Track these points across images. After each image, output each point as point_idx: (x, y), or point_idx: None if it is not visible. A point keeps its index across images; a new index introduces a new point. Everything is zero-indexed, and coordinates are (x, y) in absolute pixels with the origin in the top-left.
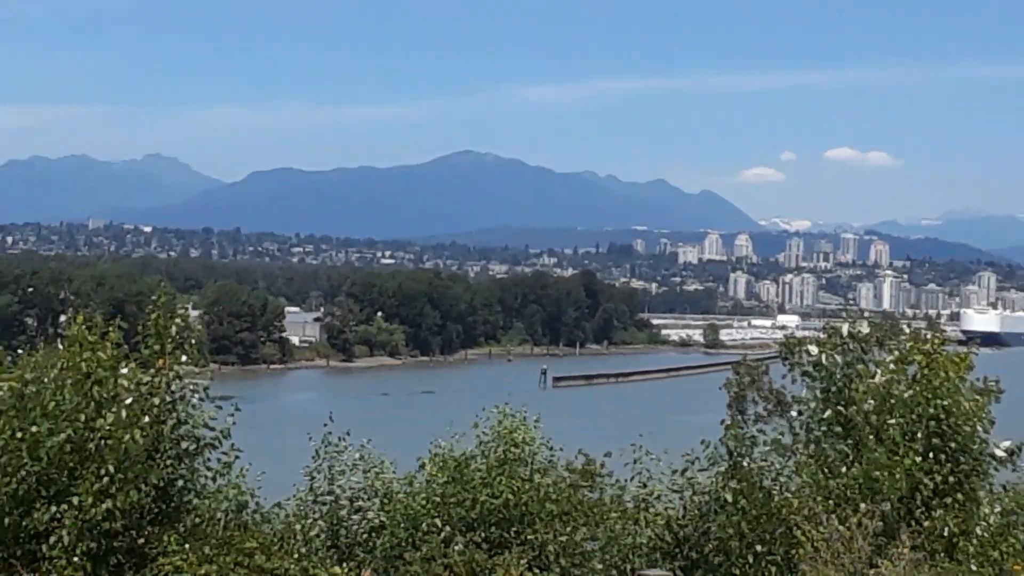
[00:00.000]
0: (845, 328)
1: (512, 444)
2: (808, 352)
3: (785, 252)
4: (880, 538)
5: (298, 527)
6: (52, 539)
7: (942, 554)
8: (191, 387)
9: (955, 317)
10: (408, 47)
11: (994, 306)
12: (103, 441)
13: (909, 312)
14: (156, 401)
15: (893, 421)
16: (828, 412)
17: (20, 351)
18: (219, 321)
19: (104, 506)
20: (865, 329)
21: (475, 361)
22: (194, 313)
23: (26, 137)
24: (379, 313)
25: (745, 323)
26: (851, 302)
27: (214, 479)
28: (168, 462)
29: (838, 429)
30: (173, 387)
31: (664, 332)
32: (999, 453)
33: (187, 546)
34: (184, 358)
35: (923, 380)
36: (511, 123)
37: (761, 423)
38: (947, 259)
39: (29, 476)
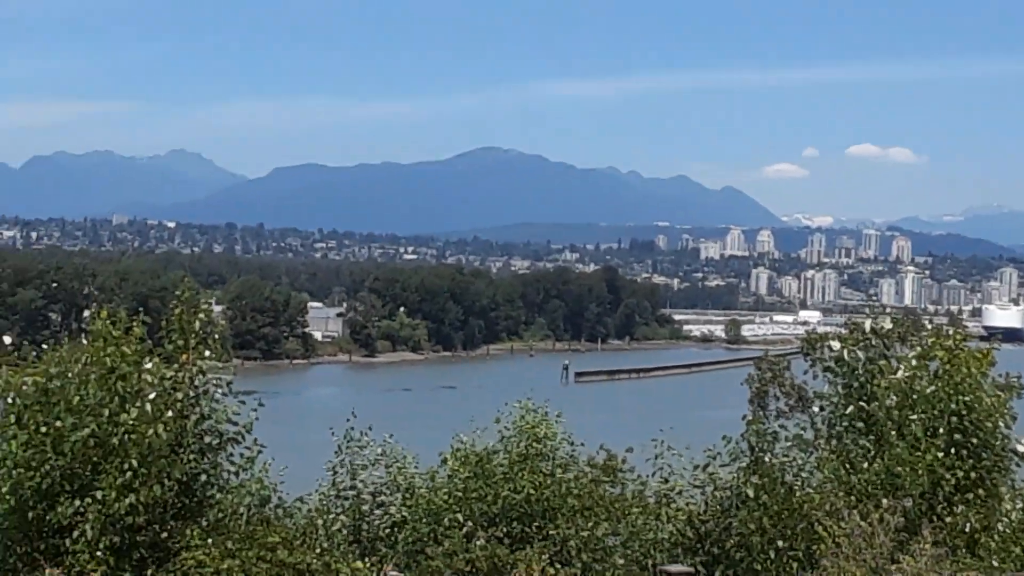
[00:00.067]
0: (868, 324)
1: (534, 439)
2: (830, 348)
3: (807, 248)
4: (902, 534)
5: (320, 522)
6: (76, 533)
7: (964, 550)
8: (214, 382)
9: (977, 313)
10: (432, 43)
11: (1016, 302)
12: (127, 436)
13: (931, 308)
14: (180, 396)
15: (915, 417)
16: (850, 408)
17: (44, 346)
18: (242, 316)
19: (127, 500)
20: (888, 325)
21: (497, 356)
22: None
23: (50, 133)
24: (401, 308)
25: (767, 319)
26: (873, 298)
27: (237, 474)
28: (191, 457)
29: (860, 425)
30: (196, 382)
31: (686, 328)
32: (1021, 449)
33: (210, 540)
34: (207, 353)
35: (945, 376)
36: (534, 119)
37: (782, 419)
38: (969, 255)
39: (53, 470)
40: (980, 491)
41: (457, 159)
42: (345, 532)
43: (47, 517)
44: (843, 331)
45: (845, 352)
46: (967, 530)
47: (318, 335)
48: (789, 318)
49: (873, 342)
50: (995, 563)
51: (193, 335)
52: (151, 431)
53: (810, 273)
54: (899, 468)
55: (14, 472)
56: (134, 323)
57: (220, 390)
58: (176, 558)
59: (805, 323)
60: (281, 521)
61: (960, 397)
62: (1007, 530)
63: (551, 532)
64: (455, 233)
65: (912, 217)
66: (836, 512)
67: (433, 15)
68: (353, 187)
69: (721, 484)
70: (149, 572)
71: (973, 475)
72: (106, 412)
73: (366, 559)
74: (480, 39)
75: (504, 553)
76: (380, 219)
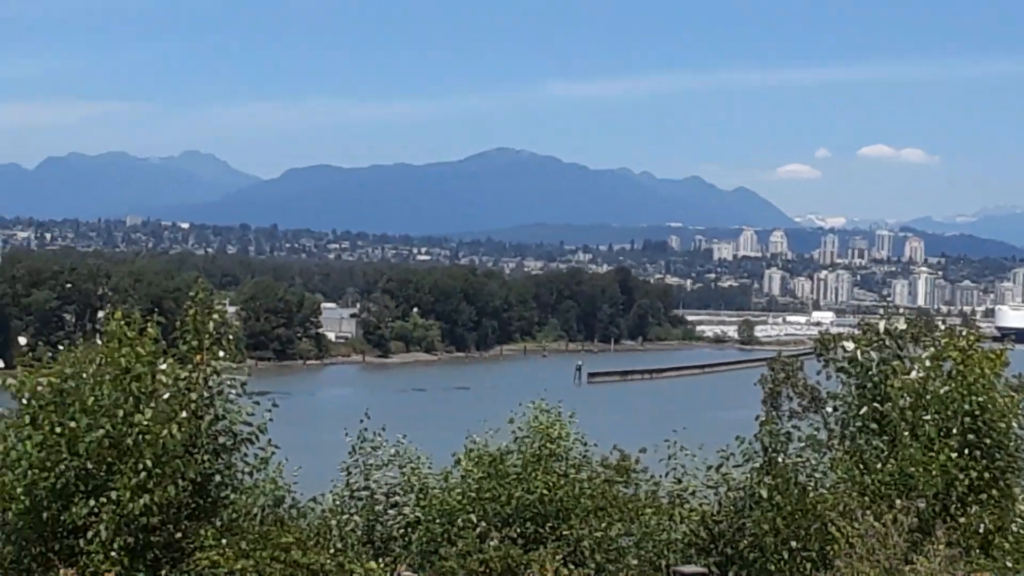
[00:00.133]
0: (882, 325)
1: (548, 440)
2: (844, 348)
3: (820, 249)
4: (915, 534)
5: (334, 522)
6: (90, 533)
7: (977, 550)
8: (228, 383)
9: (990, 314)
10: (447, 45)
11: None
12: (141, 436)
13: (944, 309)
14: (194, 396)
15: (928, 417)
16: (864, 409)
17: (59, 347)
18: (256, 317)
19: (142, 501)
20: (902, 326)
21: (510, 357)
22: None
23: (64, 134)
24: (415, 309)
25: (780, 319)
26: (887, 299)
27: (251, 474)
28: (205, 457)
29: (874, 425)
30: (210, 382)
31: (699, 328)
32: None
33: (224, 541)
34: (221, 354)
35: (958, 376)
36: (547, 120)
37: (796, 419)
38: (982, 256)
39: (68, 471)
40: (994, 491)
41: (470, 160)
42: (359, 532)
43: (62, 517)
44: (856, 332)
45: (859, 353)
46: (981, 531)
47: (331, 336)
48: (802, 319)
49: (887, 343)
50: (1009, 564)
51: (207, 336)
52: (165, 431)
53: (823, 274)
54: (913, 469)
55: (29, 472)
56: (148, 324)
57: (234, 391)
58: (190, 558)
59: (818, 324)
60: (295, 521)
61: (973, 397)
62: (1021, 531)
63: (565, 532)
64: (468, 234)
65: (925, 218)
66: (850, 513)
67: (448, 16)
68: (366, 188)
69: (735, 485)
70: (163, 572)
71: (987, 475)
72: (120, 413)
73: (380, 559)
74: (494, 40)
75: (518, 553)
76: (393, 220)
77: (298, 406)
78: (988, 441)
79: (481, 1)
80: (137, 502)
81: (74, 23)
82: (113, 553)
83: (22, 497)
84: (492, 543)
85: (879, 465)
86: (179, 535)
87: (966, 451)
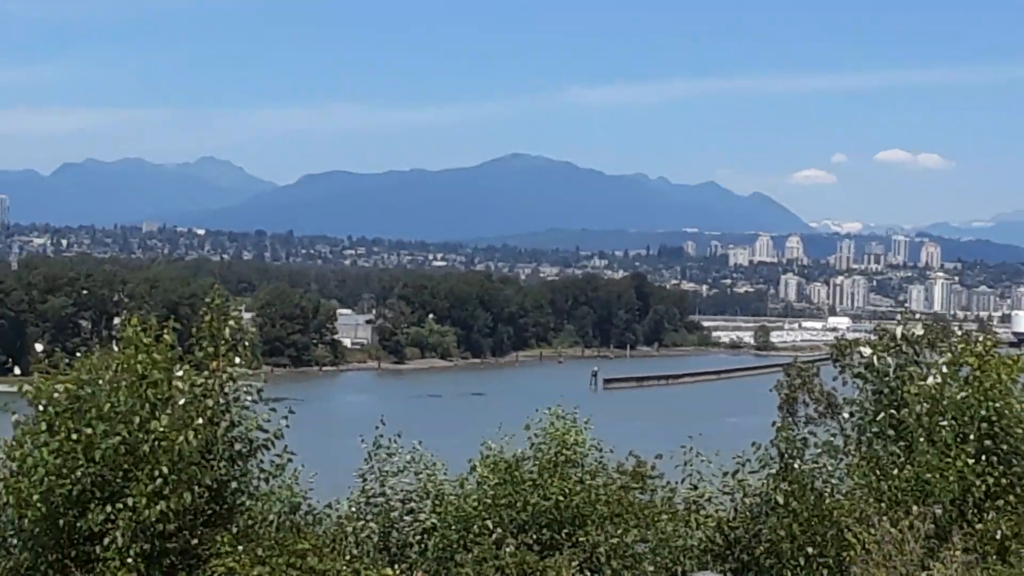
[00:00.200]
0: (899, 330)
1: (564, 446)
2: (860, 354)
3: (836, 254)
4: (932, 540)
5: (350, 529)
6: (106, 540)
7: (994, 557)
8: (244, 389)
9: (1006, 319)
10: (460, 50)
11: None
12: (157, 443)
13: (960, 314)
14: (210, 403)
15: (945, 423)
16: (881, 414)
17: (76, 353)
18: (272, 323)
19: (158, 507)
20: (919, 331)
21: (526, 363)
22: (247, 315)
23: (80, 141)
24: (430, 315)
25: (796, 325)
26: (904, 305)
27: (267, 481)
28: (221, 464)
29: (891, 431)
30: (227, 389)
31: (715, 334)
32: None
33: (240, 547)
34: (238, 360)
35: (975, 382)
36: (562, 126)
37: (812, 425)
38: (998, 261)
39: (84, 478)
40: (1011, 497)
41: (486, 165)
42: (374, 539)
43: (78, 524)
44: (873, 337)
45: (875, 358)
46: (998, 537)
47: (347, 342)
48: (818, 324)
49: (904, 348)
50: None
51: (223, 342)
52: (181, 438)
53: (839, 279)
54: (929, 475)
55: (45, 479)
56: (165, 330)
57: (250, 397)
58: (206, 564)
59: (834, 329)
60: (311, 528)
61: (990, 403)
62: None
63: (581, 539)
64: (484, 240)
65: (941, 223)
66: (866, 519)
67: (462, 22)
68: (382, 194)
69: (751, 491)
70: None
71: (1004, 481)
72: (137, 419)
73: (395, 566)
74: (510, 47)
75: (534, 560)
76: (409, 226)
77: (314, 413)
78: (1005, 447)
79: (497, 8)
80: (153, 508)
81: (91, 30)
82: (129, 560)
83: (38, 504)
84: (508, 549)
85: (896, 471)
86: (195, 541)
87: (983, 457)
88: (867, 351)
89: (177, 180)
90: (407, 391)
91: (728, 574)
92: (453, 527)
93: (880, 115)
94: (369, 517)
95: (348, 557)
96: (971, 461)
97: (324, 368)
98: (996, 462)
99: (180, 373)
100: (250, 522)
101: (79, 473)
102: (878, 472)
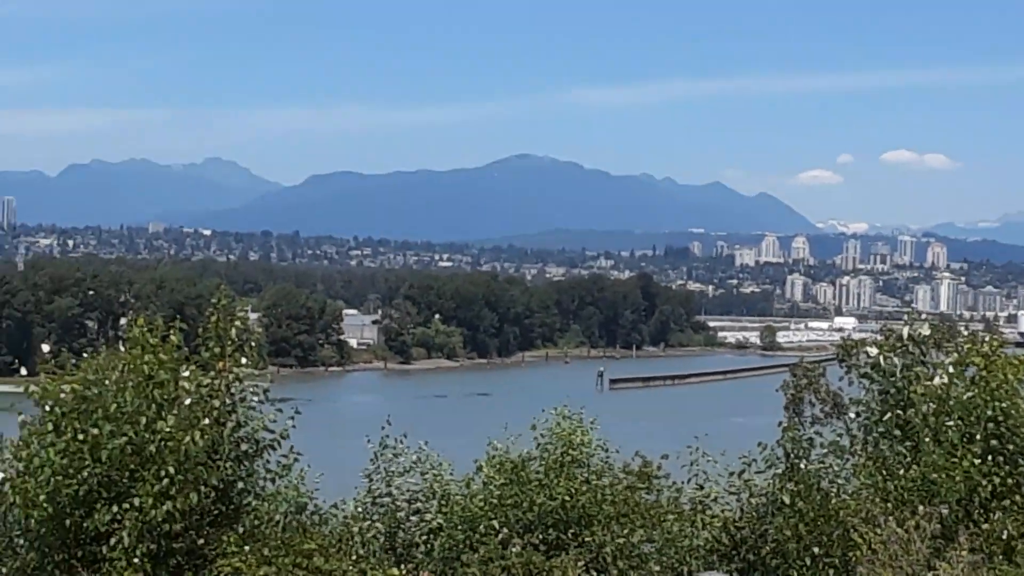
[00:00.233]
0: (906, 331)
1: (570, 446)
2: (867, 354)
3: (842, 254)
4: (938, 540)
5: (356, 529)
6: (113, 540)
7: (1000, 557)
8: (251, 389)
9: (1012, 319)
10: (467, 50)
11: None
12: (164, 443)
13: (966, 314)
14: (216, 403)
15: (951, 423)
16: (888, 415)
17: (82, 354)
18: (278, 324)
19: (164, 507)
20: (926, 331)
21: (532, 363)
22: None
23: (87, 141)
24: (437, 316)
25: (802, 325)
26: (909, 304)
27: (273, 481)
28: (228, 464)
29: (897, 432)
30: (233, 389)
31: (721, 334)
32: None
33: (246, 547)
34: (244, 360)
35: (981, 382)
36: (568, 126)
37: (818, 425)
38: (1005, 261)
39: (90, 478)
40: (1017, 497)
41: (492, 166)
42: (381, 539)
43: (84, 524)
44: (879, 337)
45: (882, 358)
46: (1004, 537)
47: (353, 342)
48: (824, 325)
49: (910, 349)
50: None
51: (229, 343)
52: (188, 438)
53: (845, 279)
54: (935, 475)
55: (52, 480)
56: (171, 331)
57: (256, 397)
58: (212, 565)
59: (840, 329)
60: (317, 528)
61: (996, 403)
62: None
63: (587, 539)
64: (490, 240)
65: (947, 223)
66: (872, 519)
67: (468, 23)
68: (388, 194)
69: (757, 491)
70: None
71: (1010, 481)
72: (143, 420)
73: (402, 566)
74: (516, 47)
75: (540, 560)
76: (415, 226)
77: (320, 413)
78: (1011, 447)
79: (504, 8)
80: (159, 509)
81: (97, 31)
82: (136, 560)
83: (45, 504)
84: (514, 550)
85: (902, 471)
86: (201, 542)
87: (989, 457)
88: (874, 351)
89: (183, 181)
90: (413, 391)
91: (734, 574)
92: (459, 527)
93: (886, 115)
94: (375, 517)
95: (354, 557)
96: (977, 461)
97: (330, 368)
98: (1002, 462)
99: (186, 373)
100: (256, 522)
101: (85, 473)
102: (884, 472)
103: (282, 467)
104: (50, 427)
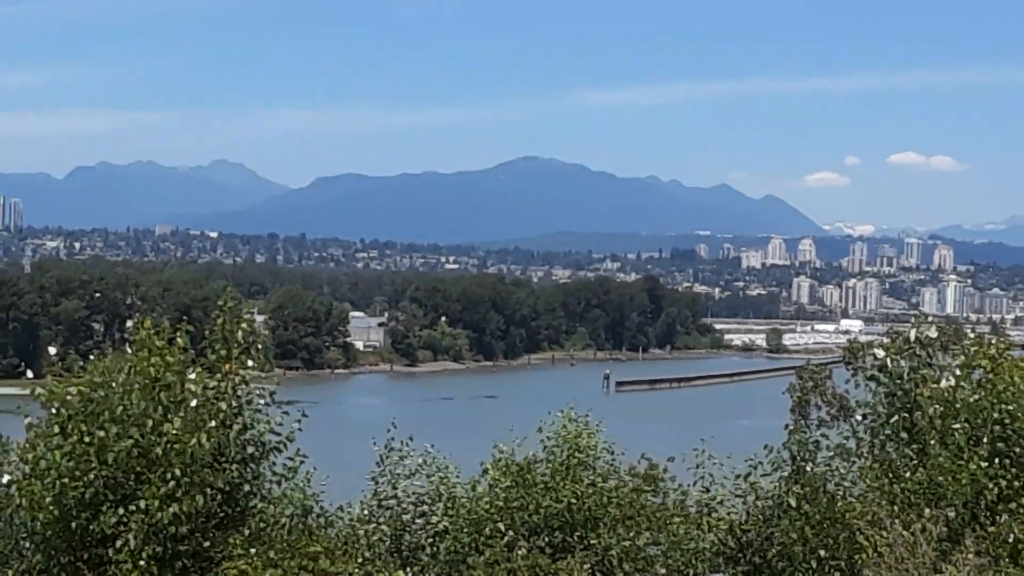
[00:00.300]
0: (912, 333)
1: (576, 449)
2: (874, 356)
3: (849, 257)
4: (944, 543)
5: (362, 531)
6: (119, 543)
7: (1007, 559)
8: (257, 392)
9: (1019, 322)
10: (472, 52)
11: None
12: (170, 445)
13: (973, 317)
14: (223, 406)
15: (958, 426)
16: (895, 417)
17: (88, 356)
18: (284, 326)
19: (170, 510)
20: (933, 333)
21: (538, 366)
22: (260, 318)
23: (93, 144)
24: (443, 318)
25: (808, 328)
26: (915, 307)
27: (279, 483)
28: (234, 466)
29: (904, 434)
30: (239, 392)
31: (727, 337)
32: None
33: (252, 550)
34: (250, 363)
35: (988, 385)
36: (574, 128)
37: (824, 428)
38: (1011, 264)
39: (97, 480)
40: (1023, 500)
41: (499, 168)
42: (387, 542)
43: (90, 527)
44: (885, 340)
45: (889, 360)
46: (1010, 540)
47: (360, 345)
48: (831, 327)
49: (917, 351)
50: None
51: (236, 345)
52: (194, 441)
53: (852, 282)
54: (942, 477)
55: (58, 482)
56: (177, 333)
57: (263, 400)
58: (218, 567)
59: (847, 332)
60: (323, 531)
61: (1003, 406)
62: None
63: (593, 542)
64: (496, 242)
65: (954, 226)
66: (878, 521)
67: (474, 25)
68: (394, 196)
69: (763, 494)
70: None
71: (1016, 484)
72: (149, 422)
73: (407, 569)
74: (522, 49)
75: (546, 563)
76: (421, 228)
77: (326, 415)
78: (1018, 450)
79: (510, 10)
80: (166, 511)
81: (102, 33)
82: (142, 562)
83: (51, 506)
84: (520, 552)
85: (908, 474)
86: (207, 544)
87: (996, 460)
88: (881, 353)
89: (190, 183)
90: (419, 394)
91: None
92: (465, 530)
93: (893, 117)
94: (381, 520)
95: (360, 560)
96: (984, 464)
97: (336, 371)
98: (1009, 465)
99: (193, 376)
100: (262, 525)
101: (92, 476)
102: (890, 475)
103: (288, 470)
104: (56, 429)
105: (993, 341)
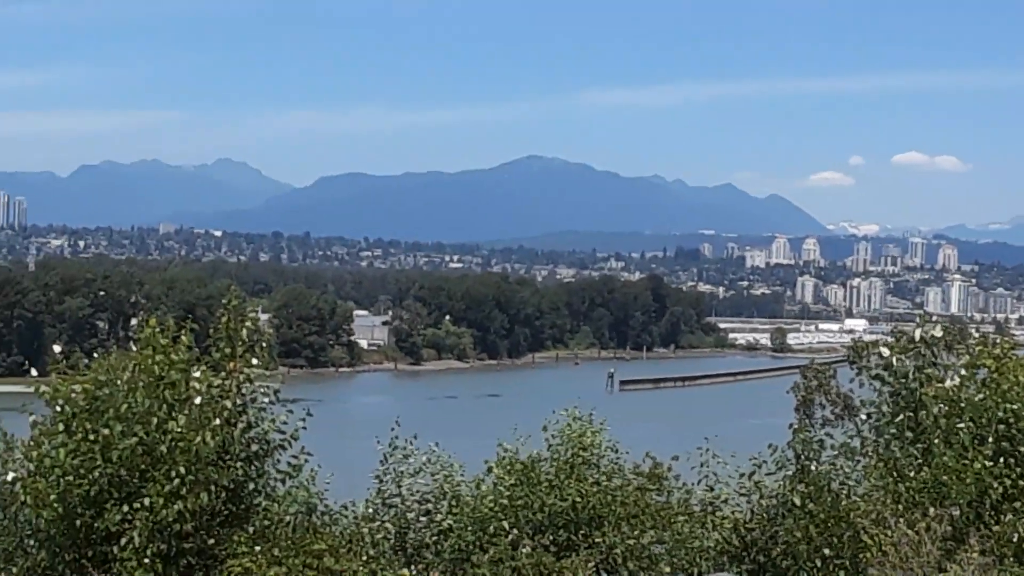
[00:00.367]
0: (918, 332)
1: (580, 447)
2: (880, 355)
3: (853, 256)
4: (949, 542)
5: (366, 529)
6: (123, 540)
7: (1011, 559)
8: (261, 390)
9: (1023, 321)
10: (476, 52)
11: None
12: (174, 443)
13: (977, 316)
14: (227, 404)
15: (962, 425)
16: (900, 416)
17: (93, 354)
18: (288, 324)
19: (175, 507)
20: (938, 333)
21: (542, 364)
22: (264, 317)
23: (98, 142)
24: (447, 317)
25: (812, 327)
26: (919, 306)
27: (283, 481)
28: (238, 464)
29: (909, 434)
30: (243, 390)
31: (731, 336)
32: None
33: (256, 548)
34: (254, 361)
35: (992, 384)
36: (578, 127)
37: (828, 427)
38: (1016, 263)
39: (101, 478)
40: None
41: (503, 168)
42: (391, 540)
43: (95, 524)
44: (889, 339)
45: (894, 359)
46: (1015, 539)
47: (364, 343)
48: (835, 326)
49: (922, 351)
50: None
51: (240, 343)
52: (198, 439)
53: (856, 281)
54: (946, 476)
55: (62, 480)
56: (182, 331)
57: (267, 398)
58: (223, 565)
59: (851, 331)
60: (327, 528)
61: (1008, 405)
62: None
63: (597, 540)
64: (500, 241)
65: (959, 225)
66: (883, 520)
67: (478, 24)
68: (399, 196)
69: (767, 492)
70: None
71: (1021, 483)
72: (154, 420)
73: (412, 567)
74: (527, 49)
75: (550, 561)
76: (426, 227)
77: (330, 414)
78: (1022, 449)
79: (514, 10)
80: (170, 509)
81: (108, 32)
82: (146, 560)
83: (56, 504)
84: (524, 551)
85: (912, 473)
86: (212, 542)
87: (1000, 459)
88: (887, 352)
89: (194, 182)
90: (423, 392)
91: (744, 575)
92: (469, 528)
93: (897, 117)
94: (385, 518)
95: (364, 558)
96: (988, 463)
97: (340, 369)
98: (1013, 464)
99: (197, 374)
100: (267, 523)
101: (96, 473)
102: (895, 474)
103: (293, 468)
104: (61, 427)
105: (998, 340)
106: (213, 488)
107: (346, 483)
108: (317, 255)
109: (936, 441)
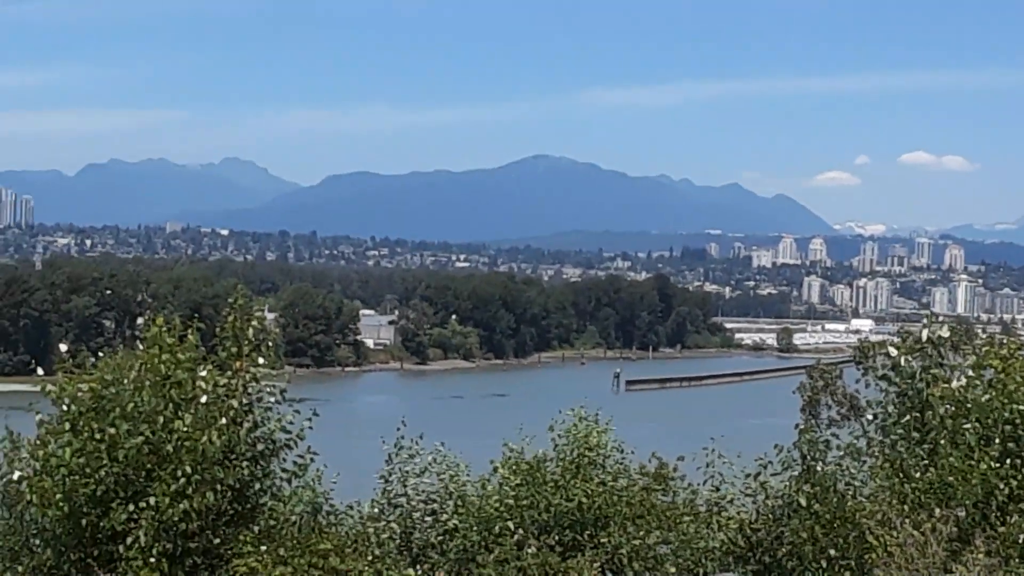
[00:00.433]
0: (924, 333)
1: (586, 447)
2: (887, 355)
3: (859, 256)
4: (955, 543)
5: (371, 529)
6: (129, 539)
7: (1017, 560)
8: (268, 389)
9: None
10: (483, 52)
11: None
12: (180, 442)
13: (984, 317)
14: (233, 403)
15: (969, 426)
16: (906, 417)
17: (99, 353)
18: (295, 324)
19: (181, 507)
20: (945, 333)
21: (548, 364)
22: (270, 316)
23: (105, 141)
24: (453, 316)
25: (819, 327)
26: (926, 307)
27: (289, 481)
28: (244, 464)
29: (915, 434)
30: (250, 389)
31: (737, 336)
32: None
33: (262, 547)
34: (261, 360)
35: (999, 385)
36: (585, 127)
37: (834, 427)
38: (1023, 263)
39: (107, 477)
40: None
41: (509, 167)
42: (396, 540)
43: (101, 523)
44: (896, 340)
45: (900, 360)
46: (1021, 540)
47: (370, 343)
48: (841, 327)
49: (929, 351)
50: None
51: (246, 342)
52: (204, 438)
53: (862, 281)
54: (952, 477)
55: (68, 479)
56: (188, 330)
57: (273, 398)
58: (228, 564)
59: (857, 331)
60: (333, 528)
61: (1014, 406)
62: None
63: (603, 540)
64: (507, 241)
65: (965, 225)
66: (889, 521)
67: (488, 24)
68: (405, 195)
69: (773, 493)
70: None
71: None
72: (160, 419)
73: (417, 567)
74: (534, 48)
75: (556, 561)
76: (432, 227)
77: (336, 413)
78: None
79: (521, 9)
80: (176, 508)
81: (115, 31)
82: (152, 559)
83: (61, 503)
84: (530, 551)
85: (918, 473)
86: (218, 541)
87: (1006, 460)
88: (894, 352)
89: (201, 180)
90: (429, 392)
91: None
92: (475, 528)
93: (904, 117)
94: (391, 518)
95: (370, 558)
96: (994, 464)
97: (347, 369)
98: (1020, 465)
99: (203, 373)
100: (272, 522)
101: (102, 472)
102: (901, 474)
103: (298, 467)
104: (67, 426)
105: (1004, 341)
106: (219, 487)
107: (352, 483)
108: (324, 254)
109: (942, 442)
